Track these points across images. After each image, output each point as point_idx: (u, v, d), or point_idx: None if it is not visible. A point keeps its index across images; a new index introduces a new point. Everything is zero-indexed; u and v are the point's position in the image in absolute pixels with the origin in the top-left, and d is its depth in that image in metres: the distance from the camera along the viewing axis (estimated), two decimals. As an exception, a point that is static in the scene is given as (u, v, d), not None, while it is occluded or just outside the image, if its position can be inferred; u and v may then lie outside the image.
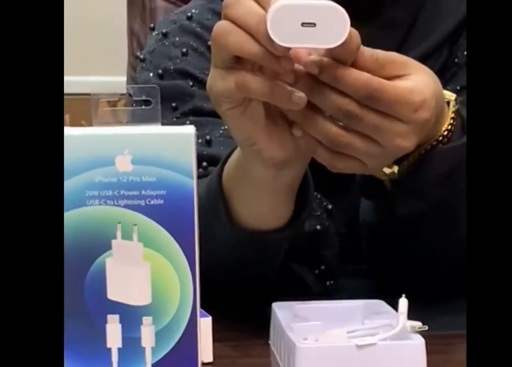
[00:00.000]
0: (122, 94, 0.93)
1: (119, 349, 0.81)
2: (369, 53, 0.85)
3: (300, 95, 0.84)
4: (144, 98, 0.84)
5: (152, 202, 0.80)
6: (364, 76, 0.84)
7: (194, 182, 0.81)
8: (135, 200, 0.80)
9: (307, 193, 1.01)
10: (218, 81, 0.87)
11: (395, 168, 0.97)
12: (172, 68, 1.28)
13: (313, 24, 0.79)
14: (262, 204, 0.99)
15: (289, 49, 0.82)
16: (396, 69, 0.87)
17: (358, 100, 0.85)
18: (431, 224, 1.05)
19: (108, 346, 0.80)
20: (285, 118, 0.90)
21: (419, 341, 0.81)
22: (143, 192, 0.80)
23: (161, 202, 0.80)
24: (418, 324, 0.83)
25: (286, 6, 0.79)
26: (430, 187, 1.00)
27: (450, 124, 0.96)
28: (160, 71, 1.29)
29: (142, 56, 1.36)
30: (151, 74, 1.29)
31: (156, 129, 0.82)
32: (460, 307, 1.00)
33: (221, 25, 0.85)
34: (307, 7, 0.80)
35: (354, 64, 0.85)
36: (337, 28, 0.80)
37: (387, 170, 0.97)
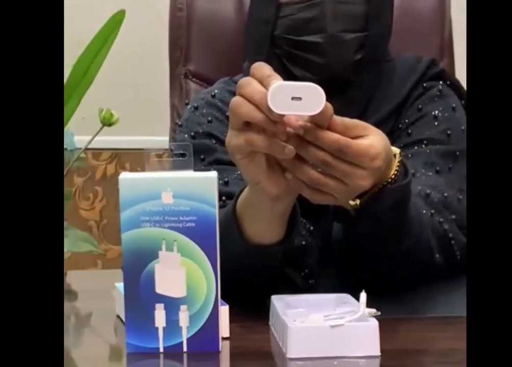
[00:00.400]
0: (165, 149, 1.00)
1: (163, 328, 0.86)
2: (339, 120, 0.88)
3: (290, 148, 0.87)
4: (181, 152, 0.89)
5: (187, 225, 0.85)
6: (335, 136, 0.86)
7: (216, 211, 0.85)
8: (175, 223, 0.85)
9: (295, 219, 1.02)
10: (233, 139, 0.90)
11: (358, 201, 0.98)
12: (200, 131, 1.30)
13: (300, 98, 0.83)
14: (263, 225, 1.00)
15: (283, 116, 0.85)
16: (358, 131, 0.90)
17: (332, 153, 0.87)
18: (384, 239, 1.04)
19: (156, 325, 0.86)
20: (280, 165, 0.91)
21: (374, 323, 0.84)
22: (180, 218, 0.85)
23: (193, 224, 0.85)
24: (373, 311, 0.86)
25: (281, 86, 0.83)
26: (382, 214, 0.99)
27: (396, 170, 0.97)
28: (192, 133, 1.31)
29: (179, 123, 1.38)
30: (186, 135, 1.31)
31: (189, 173, 0.87)
32: (407, 298, 1.06)
33: (236, 99, 0.88)
34: (295, 87, 0.84)
35: (329, 128, 0.87)
36: (317, 101, 0.83)
37: (351, 202, 0.98)
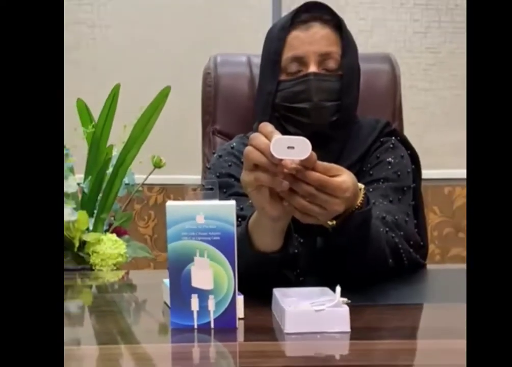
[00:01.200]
0: (199, 185, 1.02)
1: (197, 311, 0.86)
2: (321, 164, 0.88)
3: (286, 183, 0.87)
4: (210, 187, 0.88)
5: (214, 238, 0.85)
6: (317, 175, 0.87)
7: (234, 229, 0.85)
8: (206, 237, 0.85)
9: (290, 234, 1.01)
10: (245, 176, 0.90)
11: (334, 222, 0.98)
12: (223, 172, 1.29)
13: (293, 147, 0.83)
14: (267, 238, 0.99)
15: (281, 160, 0.85)
16: (334, 171, 0.90)
17: (315, 187, 0.88)
18: (353, 248, 1.03)
19: (191, 309, 0.86)
20: (279, 196, 0.90)
21: (346, 308, 0.84)
22: (209, 233, 0.85)
23: (218, 238, 0.85)
24: (345, 299, 0.85)
25: (280, 139, 0.84)
26: (352, 231, 0.99)
27: (361, 199, 0.97)
28: (217, 174, 1.29)
29: (208, 166, 1.37)
30: (213, 175, 1.30)
31: (216, 202, 0.87)
32: (368, 291, 1.05)
33: (248, 148, 0.88)
34: (290, 139, 0.84)
35: (314, 169, 0.87)
36: (305, 149, 0.84)
37: (329, 223, 0.98)
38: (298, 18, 1.28)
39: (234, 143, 1.37)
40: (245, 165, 0.90)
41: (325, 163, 0.90)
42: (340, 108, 1.27)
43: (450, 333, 0.84)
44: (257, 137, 0.88)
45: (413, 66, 2.52)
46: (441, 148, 2.51)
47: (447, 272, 1.29)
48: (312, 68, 1.25)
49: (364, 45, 2.48)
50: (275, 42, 1.29)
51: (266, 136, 0.88)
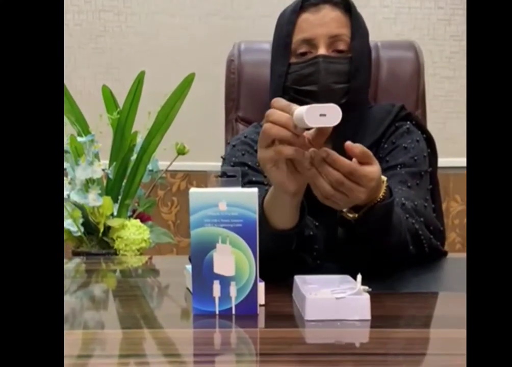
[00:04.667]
0: (220, 172, 1.01)
1: (219, 297, 0.86)
2: (361, 148, 0.88)
3: (307, 153, 0.87)
4: (232, 174, 0.88)
5: (236, 225, 0.85)
6: (348, 163, 0.87)
7: (256, 216, 0.85)
8: (228, 224, 0.85)
9: (304, 214, 1.01)
10: (264, 153, 0.90)
11: (355, 215, 0.99)
12: (237, 161, 1.30)
13: (325, 115, 0.82)
14: (284, 216, 0.99)
15: (304, 130, 0.85)
16: (366, 159, 0.89)
17: (344, 174, 0.87)
18: (376, 238, 1.03)
19: (213, 295, 0.86)
20: (296, 170, 0.91)
21: (367, 296, 0.84)
22: (231, 220, 0.85)
23: (240, 225, 0.85)
24: (366, 287, 0.85)
25: (313, 107, 0.82)
26: (374, 223, 0.99)
27: (384, 192, 0.97)
28: (232, 163, 1.29)
29: (223, 157, 1.38)
30: (227, 165, 1.31)
31: (238, 189, 0.86)
32: (387, 279, 1.05)
33: (266, 125, 0.88)
34: (322, 107, 0.82)
35: (350, 151, 0.87)
36: (336, 116, 0.83)
37: (351, 215, 0.99)
38: (308, 0, 1.28)
39: (247, 133, 1.37)
40: (262, 143, 0.90)
41: (365, 149, 0.89)
42: (350, 90, 1.25)
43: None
44: (274, 113, 0.88)
45: (436, 54, 2.49)
46: (463, 136, 2.46)
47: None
48: (322, 50, 1.25)
49: (388, 32, 2.46)
50: (286, 25, 1.28)
51: (283, 110, 0.87)
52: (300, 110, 0.85)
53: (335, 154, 0.87)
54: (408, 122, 1.32)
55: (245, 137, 1.36)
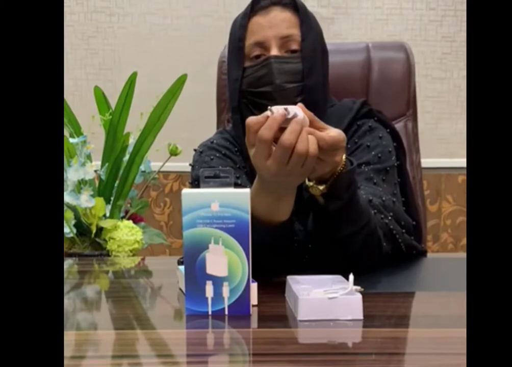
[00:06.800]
0: (214, 172, 1.00)
1: (211, 297, 0.86)
2: (316, 121, 0.93)
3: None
4: (225, 175, 0.87)
5: (228, 226, 0.85)
6: (319, 133, 0.91)
7: (248, 216, 0.84)
8: (220, 225, 0.85)
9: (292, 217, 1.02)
10: (254, 150, 0.91)
11: (323, 186, 0.99)
12: (206, 166, 1.27)
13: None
14: (282, 206, 0.99)
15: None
16: (322, 127, 0.93)
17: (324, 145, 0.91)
18: (349, 212, 1.03)
19: (206, 296, 0.86)
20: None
21: (359, 296, 0.84)
22: (224, 221, 0.85)
23: (233, 225, 0.85)
24: (358, 288, 0.85)
25: (276, 107, 0.90)
26: (341, 192, 1.00)
27: (344, 162, 0.98)
28: (201, 169, 1.31)
29: (191, 164, 1.36)
30: (197, 171, 1.29)
31: (231, 190, 0.86)
32: (379, 279, 1.05)
33: (248, 128, 0.90)
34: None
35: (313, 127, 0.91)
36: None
37: (320, 187, 0.99)
38: (258, 4, 1.28)
39: (213, 139, 1.36)
40: (264, 153, 0.91)
41: (319, 121, 0.92)
42: (304, 89, 1.24)
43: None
44: (252, 119, 0.90)
45: (428, 55, 2.50)
46: (455, 136, 2.49)
47: (461, 261, 1.27)
48: (274, 52, 1.24)
49: (380, 33, 2.47)
50: (238, 29, 1.28)
51: (258, 120, 0.90)
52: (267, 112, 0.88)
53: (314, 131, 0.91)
54: (371, 119, 1.31)
55: (212, 142, 1.35)
